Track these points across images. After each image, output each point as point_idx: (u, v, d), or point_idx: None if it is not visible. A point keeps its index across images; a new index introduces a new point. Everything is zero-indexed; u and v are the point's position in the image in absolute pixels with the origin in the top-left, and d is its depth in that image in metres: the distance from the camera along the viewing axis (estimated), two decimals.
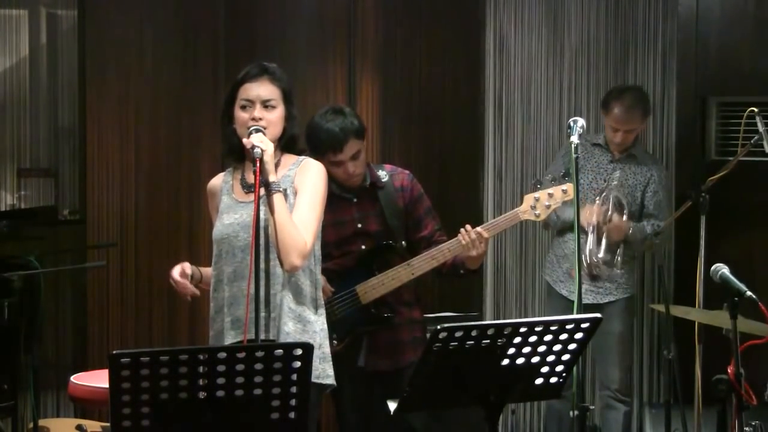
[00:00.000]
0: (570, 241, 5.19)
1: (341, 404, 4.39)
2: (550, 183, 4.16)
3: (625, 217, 5.02)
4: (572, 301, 5.16)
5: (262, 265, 3.42)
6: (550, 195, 4.14)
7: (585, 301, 5.10)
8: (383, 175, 4.37)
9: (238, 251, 3.56)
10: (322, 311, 3.68)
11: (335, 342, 4.23)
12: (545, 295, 5.53)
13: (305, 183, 3.60)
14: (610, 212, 4.96)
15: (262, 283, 3.43)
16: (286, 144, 3.69)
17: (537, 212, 4.15)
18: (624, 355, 5.31)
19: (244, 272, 3.52)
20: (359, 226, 4.31)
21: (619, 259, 5.03)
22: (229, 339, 3.57)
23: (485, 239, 4.15)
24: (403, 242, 4.33)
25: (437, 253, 4.20)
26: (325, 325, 3.66)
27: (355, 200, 4.32)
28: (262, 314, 3.46)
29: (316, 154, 4.10)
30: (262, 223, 3.45)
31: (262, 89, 3.62)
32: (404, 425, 4.21)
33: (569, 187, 4.10)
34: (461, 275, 4.33)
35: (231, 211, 3.64)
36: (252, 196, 3.52)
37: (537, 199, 4.14)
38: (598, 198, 5.03)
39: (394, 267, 4.24)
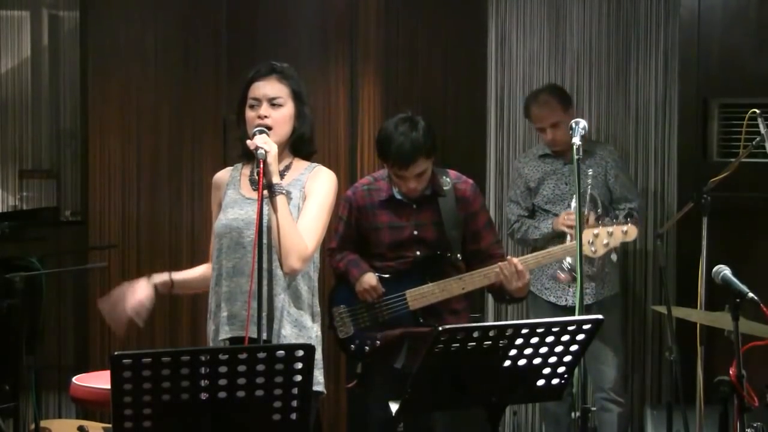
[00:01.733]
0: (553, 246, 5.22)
1: (369, 400, 4.39)
2: (611, 222, 4.19)
3: (599, 212, 5.00)
4: (561, 306, 5.21)
5: (264, 265, 3.42)
6: (610, 234, 4.16)
7: (575, 304, 5.12)
8: (446, 182, 4.33)
9: (239, 247, 3.56)
10: (319, 319, 3.67)
11: (378, 343, 4.28)
12: (530, 306, 5.53)
13: (315, 190, 3.60)
14: (586, 212, 4.94)
15: (264, 281, 3.43)
16: (295, 144, 3.67)
17: (593, 248, 4.16)
18: (616, 354, 5.29)
19: (244, 269, 3.52)
20: (415, 233, 4.30)
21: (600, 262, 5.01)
22: (224, 334, 3.58)
23: (525, 277, 4.15)
24: (459, 255, 4.31)
25: (490, 272, 4.19)
26: (320, 333, 3.66)
27: (414, 206, 4.31)
28: (263, 313, 3.47)
29: (382, 161, 4.15)
30: (265, 223, 3.45)
31: (268, 87, 3.62)
32: (425, 426, 4.22)
33: (630, 228, 4.15)
34: (507, 300, 4.36)
35: (236, 206, 3.64)
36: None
37: (596, 236, 4.15)
38: (573, 201, 5.01)
39: (446, 278, 4.24)
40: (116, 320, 3.72)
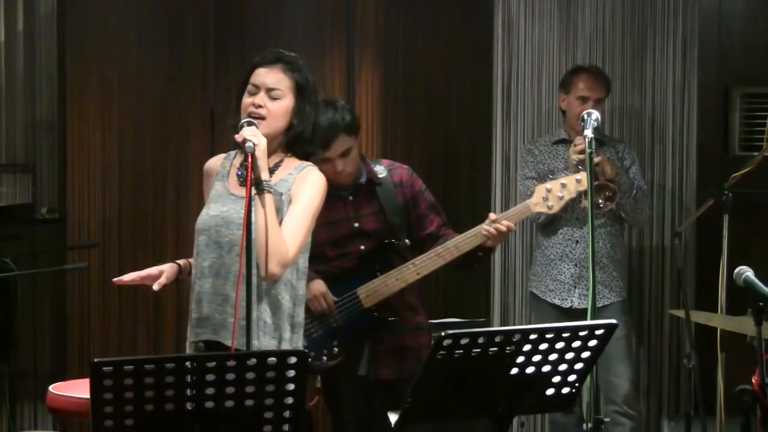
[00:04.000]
0: (556, 246, 5.24)
1: (339, 416, 4.40)
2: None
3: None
4: (565, 309, 5.21)
5: (243, 270, 3.43)
6: (563, 185, 4.13)
7: (579, 306, 5.16)
8: (381, 170, 4.36)
9: (216, 246, 3.58)
10: (300, 330, 3.67)
11: (335, 350, 4.24)
12: (533, 309, 5.54)
13: (301, 192, 3.60)
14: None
15: (242, 287, 3.43)
16: (290, 142, 3.67)
17: (549, 204, 4.14)
18: (626, 364, 5.28)
19: (220, 270, 3.56)
20: (356, 225, 4.30)
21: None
22: (192, 337, 3.61)
23: (511, 231, 4.15)
24: (407, 240, 4.32)
25: (443, 250, 4.19)
26: (300, 344, 3.66)
27: (350, 198, 4.32)
28: (230, 320, 3.50)
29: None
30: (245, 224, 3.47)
31: (270, 76, 3.63)
32: None
33: (583, 176, 4.09)
34: (480, 258, 4.29)
35: (219, 201, 3.65)
36: (245, 192, 3.55)
37: (549, 190, 4.13)
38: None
39: (397, 267, 4.24)
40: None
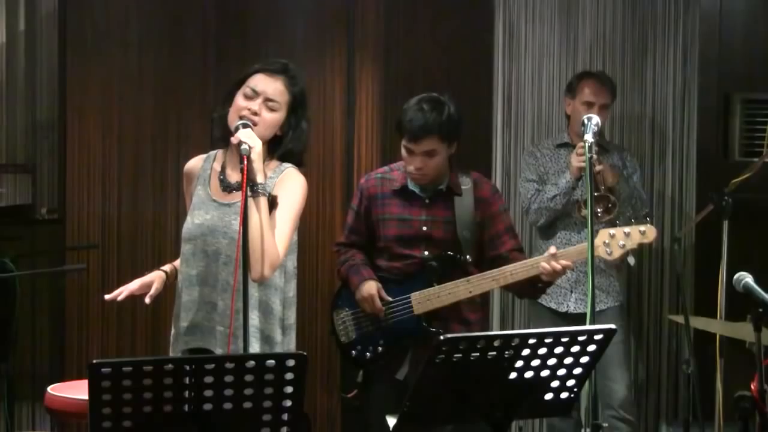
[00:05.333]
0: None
1: (368, 416, 4.39)
2: (628, 221, 4.16)
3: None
4: (561, 313, 5.21)
5: (228, 278, 3.45)
6: (627, 234, 4.12)
7: (576, 310, 5.16)
8: (465, 182, 4.34)
9: (204, 255, 3.59)
10: (291, 332, 3.69)
11: (380, 350, 4.30)
12: (530, 312, 5.54)
13: (284, 195, 3.59)
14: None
15: (226, 295, 3.46)
16: (283, 156, 3.67)
17: (609, 251, 4.13)
18: (625, 368, 5.28)
19: (208, 278, 3.58)
20: (424, 228, 4.30)
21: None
22: (182, 345, 3.63)
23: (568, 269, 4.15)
24: (468, 257, 4.29)
25: (499, 274, 4.18)
26: (292, 346, 3.68)
27: (427, 201, 4.32)
28: (220, 328, 3.53)
29: (398, 133, 4.22)
30: (230, 232, 3.49)
31: (271, 86, 3.63)
32: None
33: (648, 228, 4.10)
34: (540, 289, 4.31)
35: (203, 209, 3.65)
36: (230, 198, 3.58)
37: (612, 236, 4.13)
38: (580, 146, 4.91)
39: (453, 281, 4.24)
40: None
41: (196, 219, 3.64)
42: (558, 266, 4.09)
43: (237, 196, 3.48)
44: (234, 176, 3.62)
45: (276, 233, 3.51)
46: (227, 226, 3.56)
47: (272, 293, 3.60)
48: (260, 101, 3.60)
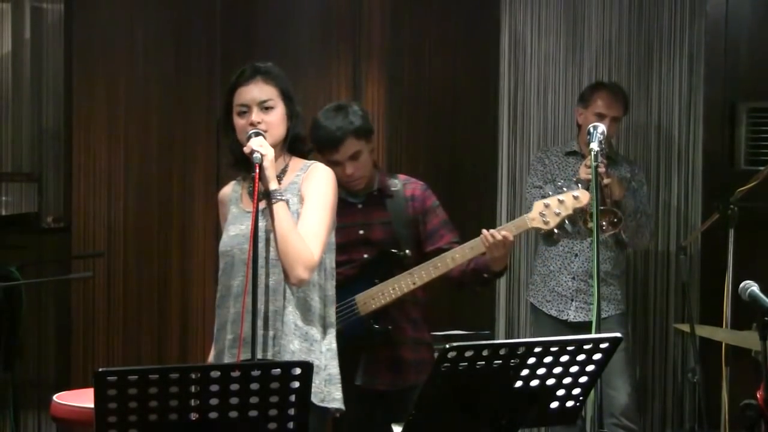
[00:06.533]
0: (556, 257, 5.25)
1: (340, 427, 4.40)
2: (559, 189, 4.15)
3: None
4: (562, 321, 5.21)
5: (264, 280, 3.42)
6: (561, 202, 4.12)
7: (576, 319, 5.16)
8: (395, 183, 4.39)
9: (242, 265, 3.55)
10: (332, 330, 3.68)
11: None
12: (532, 318, 5.54)
13: (311, 190, 3.60)
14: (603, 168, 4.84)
15: (264, 298, 3.43)
16: (292, 144, 3.69)
17: (546, 220, 4.14)
18: (627, 376, 5.26)
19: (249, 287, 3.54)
20: (361, 232, 4.32)
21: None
22: (228, 358, 3.57)
23: (510, 243, 4.15)
24: (407, 251, 4.32)
25: (440, 262, 4.20)
26: (333, 345, 3.66)
27: (360, 206, 4.34)
28: (261, 332, 3.48)
29: (317, 152, 4.15)
30: (263, 234, 3.46)
31: (256, 91, 3.62)
32: None
33: (581, 193, 4.09)
34: (486, 280, 4.32)
35: (237, 221, 3.65)
36: (259, 205, 3.55)
37: (547, 206, 4.13)
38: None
39: (395, 277, 4.25)
40: None
41: (231, 232, 3.64)
42: (498, 235, 4.10)
43: (264, 203, 3.48)
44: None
45: (309, 233, 3.51)
46: (260, 230, 3.54)
47: (311, 290, 3.59)
48: (256, 110, 3.60)
